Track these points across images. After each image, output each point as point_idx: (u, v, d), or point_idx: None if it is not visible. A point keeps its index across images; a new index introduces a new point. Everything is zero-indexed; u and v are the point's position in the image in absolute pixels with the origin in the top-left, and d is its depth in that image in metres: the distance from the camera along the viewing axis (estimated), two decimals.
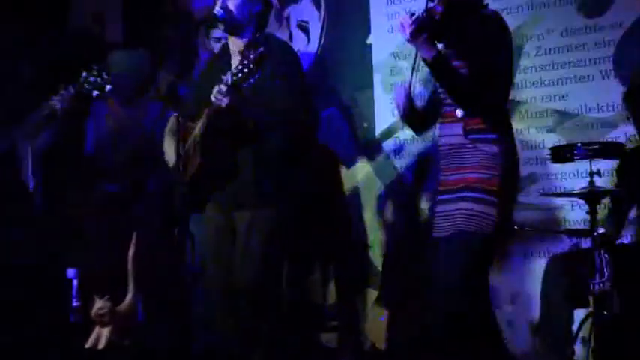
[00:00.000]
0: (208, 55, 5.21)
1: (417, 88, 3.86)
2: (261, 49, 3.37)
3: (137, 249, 4.23)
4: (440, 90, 3.38)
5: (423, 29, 3.06)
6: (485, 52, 3.18)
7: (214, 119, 3.57)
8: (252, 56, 3.36)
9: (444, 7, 3.12)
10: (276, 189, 3.73)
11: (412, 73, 3.32)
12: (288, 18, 5.34)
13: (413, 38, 3.08)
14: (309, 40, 5.27)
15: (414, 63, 3.29)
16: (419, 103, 3.59)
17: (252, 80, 3.39)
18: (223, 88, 3.44)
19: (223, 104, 3.46)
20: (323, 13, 5.21)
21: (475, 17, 3.25)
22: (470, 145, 3.21)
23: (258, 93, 3.54)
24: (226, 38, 4.00)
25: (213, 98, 3.49)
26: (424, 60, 3.16)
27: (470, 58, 3.17)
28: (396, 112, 4.39)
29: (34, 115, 4.11)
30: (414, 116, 3.48)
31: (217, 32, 4.66)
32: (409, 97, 3.39)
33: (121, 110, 4.75)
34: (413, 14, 3.11)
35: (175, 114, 3.60)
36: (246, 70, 3.37)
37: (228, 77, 3.43)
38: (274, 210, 3.73)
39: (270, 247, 3.70)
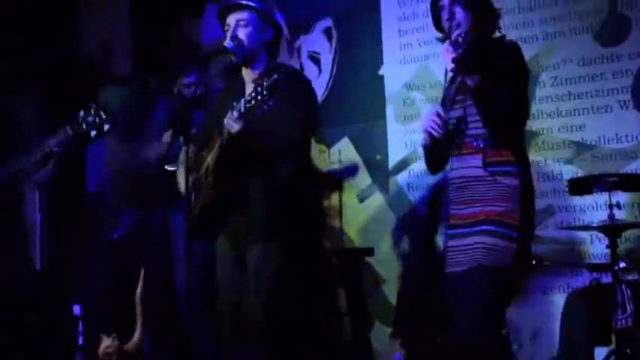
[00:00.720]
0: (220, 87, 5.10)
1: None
2: (275, 76, 3.32)
3: (145, 286, 4.18)
4: (460, 120, 3.30)
5: (463, 57, 3.05)
6: (511, 80, 3.16)
7: (227, 148, 3.54)
8: (265, 84, 3.33)
9: (475, 36, 3.15)
10: (287, 220, 3.66)
11: (445, 94, 3.31)
12: (299, 49, 5.36)
13: (458, 66, 3.06)
14: (320, 71, 5.29)
15: (448, 89, 3.28)
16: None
17: (265, 107, 3.35)
18: (235, 114, 3.42)
19: (233, 130, 3.43)
20: (334, 44, 5.23)
21: (498, 46, 3.26)
22: (489, 178, 3.15)
23: (269, 121, 3.50)
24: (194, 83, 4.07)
25: (225, 125, 3.47)
26: (469, 88, 3.13)
27: (498, 87, 3.13)
28: (409, 143, 4.84)
29: (31, 156, 4.12)
30: (439, 152, 3.38)
31: (189, 78, 4.63)
32: (445, 124, 3.27)
33: (120, 147, 4.75)
34: (456, 42, 3.10)
35: (185, 144, 3.50)
36: (259, 97, 3.33)
37: (241, 104, 3.40)
38: (286, 242, 3.66)
39: (281, 281, 3.63)
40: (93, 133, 4.08)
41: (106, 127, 4.08)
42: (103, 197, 4.74)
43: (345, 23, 5.24)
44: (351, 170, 5.06)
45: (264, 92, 3.32)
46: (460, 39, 3.08)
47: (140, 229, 4.67)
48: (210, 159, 3.63)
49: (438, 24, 3.32)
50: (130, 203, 4.65)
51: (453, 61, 3.03)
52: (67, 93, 4.93)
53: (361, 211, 5.07)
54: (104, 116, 4.05)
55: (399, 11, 5.06)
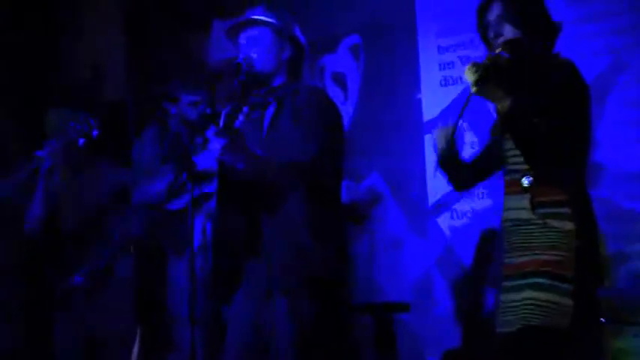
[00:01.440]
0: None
1: (467, 136, 4.00)
2: (242, 77, 3.26)
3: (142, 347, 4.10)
4: (504, 151, 3.18)
5: (487, 77, 2.93)
6: (561, 105, 3.00)
7: (225, 181, 3.40)
8: (236, 81, 3.25)
9: (511, 54, 3.00)
10: (308, 267, 3.40)
11: (458, 117, 3.17)
12: (321, 69, 5.22)
13: (479, 88, 2.94)
14: (346, 94, 5.12)
15: (463, 107, 3.10)
16: (467, 153, 3.45)
17: (241, 117, 3.25)
18: (214, 129, 3.25)
19: (216, 152, 3.23)
20: (362, 63, 5.07)
21: (547, 66, 3.09)
22: (539, 221, 2.99)
23: (275, 142, 3.36)
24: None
25: (208, 147, 3.31)
26: (497, 112, 3.00)
27: (544, 113, 2.97)
28: None
29: (19, 173, 4.10)
30: (454, 167, 3.37)
31: (193, 97, 4.48)
32: (450, 143, 3.28)
33: (71, 177, 4.45)
34: (476, 63, 2.97)
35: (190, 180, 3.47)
36: (238, 106, 3.29)
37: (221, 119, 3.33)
38: (310, 293, 3.39)
39: (310, 341, 3.38)
40: (81, 141, 4.05)
41: (95, 132, 4.05)
42: (51, 232, 4.41)
43: (374, 40, 5.05)
44: (374, 199, 4.89)
45: (241, 98, 3.27)
46: (493, 55, 2.99)
47: (103, 278, 4.32)
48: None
49: (488, 43, 3.21)
50: (91, 248, 4.32)
51: (475, 82, 2.94)
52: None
53: (395, 259, 4.82)
54: (93, 123, 4.03)
55: (438, 25, 4.84)
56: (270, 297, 3.41)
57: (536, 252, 2.99)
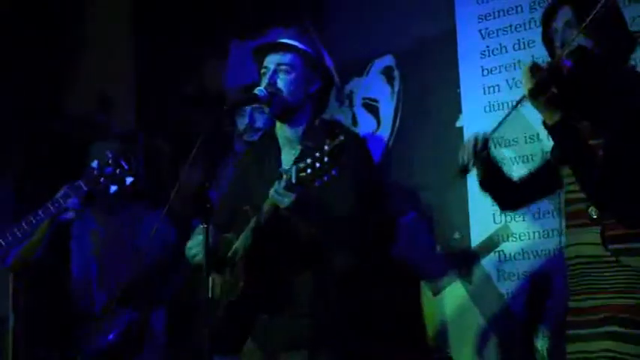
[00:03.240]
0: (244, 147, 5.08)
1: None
2: (341, 137, 3.08)
3: None
4: (564, 177, 3.15)
5: (546, 86, 2.90)
6: (633, 129, 2.89)
7: (265, 228, 3.38)
8: (327, 147, 3.07)
9: (575, 63, 2.91)
10: (340, 324, 3.47)
11: (497, 126, 3.21)
12: (350, 95, 5.05)
13: (533, 95, 2.91)
14: (378, 123, 4.93)
15: (508, 113, 3.17)
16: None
17: (326, 178, 3.10)
18: (283, 184, 3.21)
19: (283, 205, 3.24)
20: (397, 88, 4.88)
21: (619, 80, 3.00)
22: (611, 259, 2.90)
23: (320, 197, 3.36)
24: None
25: (270, 197, 3.29)
26: (545, 126, 2.98)
27: (611, 135, 2.90)
28: (498, 216, 4.42)
29: (33, 221, 3.86)
30: (496, 185, 3.34)
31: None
32: (485, 158, 3.24)
33: (109, 221, 4.39)
34: (536, 65, 2.95)
35: (203, 224, 3.23)
36: (318, 164, 3.09)
37: (291, 172, 3.19)
38: (338, 351, 3.46)
39: None
40: (113, 188, 3.89)
41: (129, 180, 3.91)
42: (88, 284, 4.38)
43: (410, 61, 4.88)
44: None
45: (326, 158, 3.10)
46: (547, 66, 2.94)
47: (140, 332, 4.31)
48: (239, 243, 3.49)
49: (553, 54, 3.14)
50: (123, 299, 4.30)
51: (529, 90, 2.92)
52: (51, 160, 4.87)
53: (436, 307, 4.59)
54: (127, 166, 3.90)
55: (482, 43, 4.58)
56: (289, 351, 3.42)
57: (610, 295, 2.91)
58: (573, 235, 3.08)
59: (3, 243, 3.83)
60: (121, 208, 4.38)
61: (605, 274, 2.95)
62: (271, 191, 3.30)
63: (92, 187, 3.88)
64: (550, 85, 2.91)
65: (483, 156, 3.23)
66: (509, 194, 3.39)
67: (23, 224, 3.82)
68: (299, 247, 3.51)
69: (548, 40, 3.13)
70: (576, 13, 3.01)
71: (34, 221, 3.82)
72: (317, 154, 3.17)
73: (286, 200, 3.24)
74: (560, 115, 2.92)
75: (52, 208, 3.83)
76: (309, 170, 3.18)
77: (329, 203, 3.43)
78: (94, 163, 3.85)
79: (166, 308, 4.37)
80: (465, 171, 3.26)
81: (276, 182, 3.29)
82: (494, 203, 3.46)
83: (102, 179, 3.86)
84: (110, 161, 3.86)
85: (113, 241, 4.37)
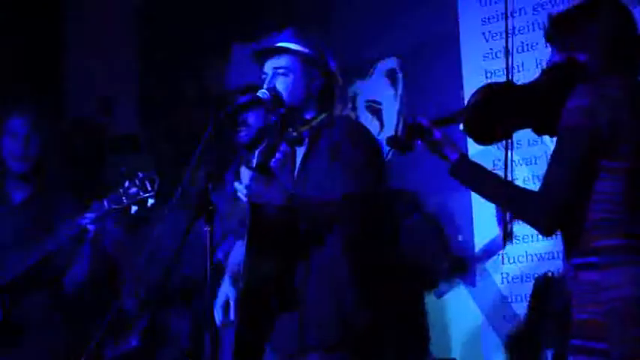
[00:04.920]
0: None
1: None
2: (282, 110, 3.24)
3: None
4: None
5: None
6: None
7: (256, 225, 3.28)
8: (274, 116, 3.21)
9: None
10: (350, 319, 3.34)
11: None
12: (354, 98, 5.08)
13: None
14: (382, 125, 4.97)
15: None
16: None
17: (279, 156, 3.19)
18: (247, 172, 3.22)
19: (244, 195, 3.22)
20: (400, 90, 4.92)
21: None
22: (573, 274, 2.74)
23: (309, 181, 3.33)
24: None
25: (238, 194, 3.26)
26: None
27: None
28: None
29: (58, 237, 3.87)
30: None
31: None
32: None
33: (119, 234, 4.49)
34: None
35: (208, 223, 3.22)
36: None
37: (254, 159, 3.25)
38: (350, 348, 3.33)
39: None
40: (134, 209, 3.85)
41: (151, 202, 3.86)
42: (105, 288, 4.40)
43: (413, 63, 4.92)
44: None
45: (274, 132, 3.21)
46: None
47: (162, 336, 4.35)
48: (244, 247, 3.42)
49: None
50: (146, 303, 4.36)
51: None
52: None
53: (438, 310, 4.61)
54: (150, 188, 3.84)
55: (485, 46, 4.66)
56: (304, 353, 3.34)
57: (574, 310, 2.73)
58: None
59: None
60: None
61: (572, 288, 2.83)
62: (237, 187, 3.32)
63: (115, 207, 3.88)
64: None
65: None
66: None
67: (49, 241, 3.85)
68: (291, 238, 3.42)
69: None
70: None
71: (60, 238, 3.86)
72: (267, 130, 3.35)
73: (251, 188, 3.24)
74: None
75: (76, 225, 3.86)
76: (266, 152, 3.26)
77: (320, 184, 3.38)
78: (126, 184, 3.87)
79: (192, 313, 4.36)
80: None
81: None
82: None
83: (124, 199, 3.85)
84: (137, 182, 3.86)
85: (134, 245, 4.40)
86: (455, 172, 2.84)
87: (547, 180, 2.67)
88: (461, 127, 2.84)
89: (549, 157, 2.70)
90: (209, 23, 5.51)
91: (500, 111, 2.76)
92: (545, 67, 2.86)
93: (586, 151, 2.59)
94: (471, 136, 2.79)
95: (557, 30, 2.86)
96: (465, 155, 2.86)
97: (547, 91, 2.74)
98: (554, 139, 2.79)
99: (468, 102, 2.81)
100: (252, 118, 4.59)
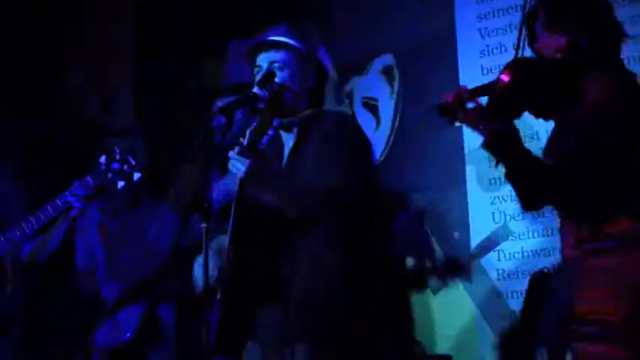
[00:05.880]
0: None
1: None
2: (275, 87, 3.24)
3: None
4: None
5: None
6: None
7: (241, 213, 3.25)
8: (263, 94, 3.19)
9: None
10: (338, 310, 3.30)
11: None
12: (350, 94, 5.09)
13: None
14: (378, 122, 4.97)
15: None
16: None
17: (271, 132, 3.14)
18: (239, 149, 3.21)
19: (240, 174, 3.21)
20: (397, 87, 4.93)
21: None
22: (582, 258, 2.77)
23: (297, 171, 3.32)
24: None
25: (229, 164, 3.26)
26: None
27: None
28: (497, 215, 4.52)
29: (42, 217, 3.90)
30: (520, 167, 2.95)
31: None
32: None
33: (119, 215, 4.37)
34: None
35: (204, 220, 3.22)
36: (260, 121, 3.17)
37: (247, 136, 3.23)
38: (338, 340, 3.29)
39: None
40: (120, 184, 3.94)
41: (137, 176, 3.92)
42: (93, 278, 4.35)
43: (410, 60, 4.92)
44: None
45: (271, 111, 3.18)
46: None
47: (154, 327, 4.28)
48: (228, 232, 3.36)
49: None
50: (134, 294, 4.26)
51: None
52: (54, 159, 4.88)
53: (434, 306, 4.61)
54: (134, 162, 3.88)
55: (482, 43, 4.70)
56: (288, 347, 3.31)
57: (581, 296, 2.77)
58: (564, 235, 3.02)
59: (13, 238, 3.88)
60: (130, 202, 4.36)
61: (579, 274, 2.86)
62: (230, 154, 3.30)
63: (99, 183, 3.88)
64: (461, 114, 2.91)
65: None
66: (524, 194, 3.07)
67: (32, 220, 3.86)
68: (277, 223, 3.40)
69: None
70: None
71: (42, 217, 3.85)
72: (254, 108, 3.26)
73: (241, 167, 3.23)
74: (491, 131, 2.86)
75: (60, 203, 3.86)
76: (256, 131, 3.23)
77: (314, 176, 3.34)
78: (102, 159, 3.86)
79: (176, 302, 4.37)
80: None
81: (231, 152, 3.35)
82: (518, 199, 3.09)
83: (109, 175, 3.85)
84: (118, 157, 3.86)
85: (123, 235, 4.36)
86: (496, 143, 2.82)
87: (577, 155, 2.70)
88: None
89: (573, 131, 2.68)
90: (207, 21, 5.52)
91: (533, 85, 2.81)
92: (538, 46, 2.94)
93: (621, 131, 2.67)
94: (495, 109, 2.84)
95: (557, 14, 2.91)
96: (516, 128, 2.82)
97: (565, 72, 2.79)
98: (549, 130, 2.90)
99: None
100: (238, 114, 4.61)
